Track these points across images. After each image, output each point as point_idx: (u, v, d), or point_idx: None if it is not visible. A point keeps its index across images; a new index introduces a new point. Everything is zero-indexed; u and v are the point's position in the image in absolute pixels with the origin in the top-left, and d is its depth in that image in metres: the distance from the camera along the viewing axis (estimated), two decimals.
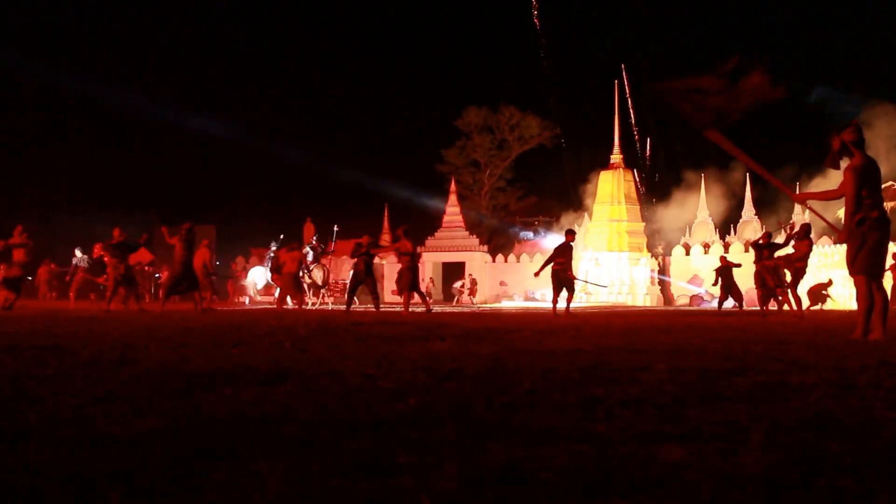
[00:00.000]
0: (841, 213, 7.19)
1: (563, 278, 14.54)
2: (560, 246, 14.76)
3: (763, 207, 39.78)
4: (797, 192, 7.45)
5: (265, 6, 67.11)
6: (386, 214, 43.81)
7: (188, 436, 2.11)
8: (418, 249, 29.53)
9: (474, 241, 36.21)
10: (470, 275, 33.40)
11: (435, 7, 74.24)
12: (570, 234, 14.96)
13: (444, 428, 2.21)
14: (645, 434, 2.14)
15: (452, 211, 37.87)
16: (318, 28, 71.07)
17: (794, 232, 14.76)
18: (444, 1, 72.88)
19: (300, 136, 66.73)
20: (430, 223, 45.04)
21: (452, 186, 39.04)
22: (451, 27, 73.96)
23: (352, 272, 16.49)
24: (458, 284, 33.03)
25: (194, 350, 4.90)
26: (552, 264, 14.65)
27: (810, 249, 14.37)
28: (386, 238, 41.37)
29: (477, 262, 35.07)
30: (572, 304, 15.34)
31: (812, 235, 14.86)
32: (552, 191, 48.06)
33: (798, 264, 14.17)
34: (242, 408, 2.57)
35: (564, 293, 14.64)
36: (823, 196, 7.73)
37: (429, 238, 36.65)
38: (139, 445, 2.00)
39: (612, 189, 32.25)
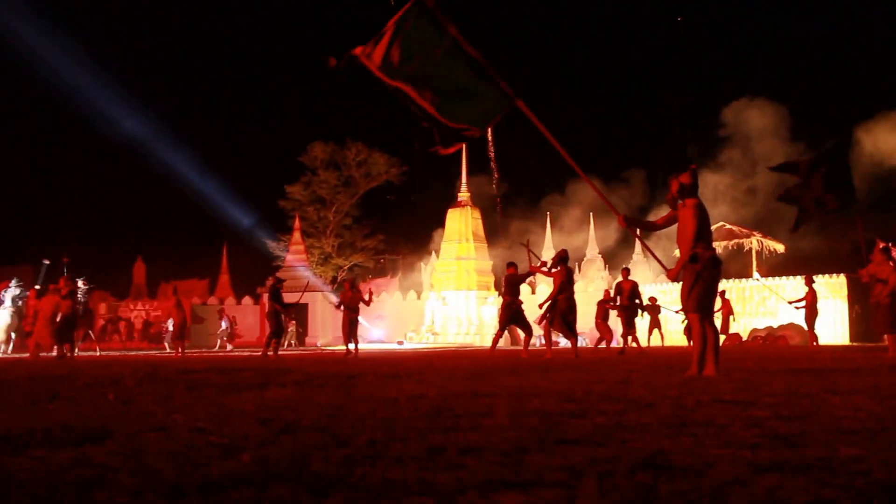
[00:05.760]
0: (677, 252, 7.46)
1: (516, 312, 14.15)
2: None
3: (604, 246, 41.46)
4: (624, 216, 7.23)
5: (98, 42, 64.32)
6: (225, 252, 42.62)
7: None
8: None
9: (318, 280, 35.79)
10: (232, 316, 30.90)
11: (279, 40, 73.81)
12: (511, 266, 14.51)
13: (280, 486, 2.10)
14: (485, 483, 2.11)
15: (296, 249, 37.34)
16: (152, 58, 68.95)
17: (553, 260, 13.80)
18: (288, 35, 72.56)
19: (129, 168, 64.01)
20: (272, 262, 44.21)
21: (296, 223, 38.52)
22: (295, 60, 73.72)
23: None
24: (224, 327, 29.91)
25: (3, 407, 4.49)
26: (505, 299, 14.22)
27: (568, 279, 13.39)
28: (224, 279, 40.26)
29: (321, 302, 34.64)
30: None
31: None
32: (400, 229, 48.46)
33: (559, 296, 13.22)
34: (56, 472, 2.34)
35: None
36: (648, 226, 7.84)
37: (270, 278, 35.89)
38: None
39: (459, 227, 32.77)
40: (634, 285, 17.08)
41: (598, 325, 19.10)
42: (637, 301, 16.91)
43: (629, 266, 18.24)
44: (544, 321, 13.62)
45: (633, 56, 70.29)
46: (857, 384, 5.41)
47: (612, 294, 18.08)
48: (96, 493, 2.05)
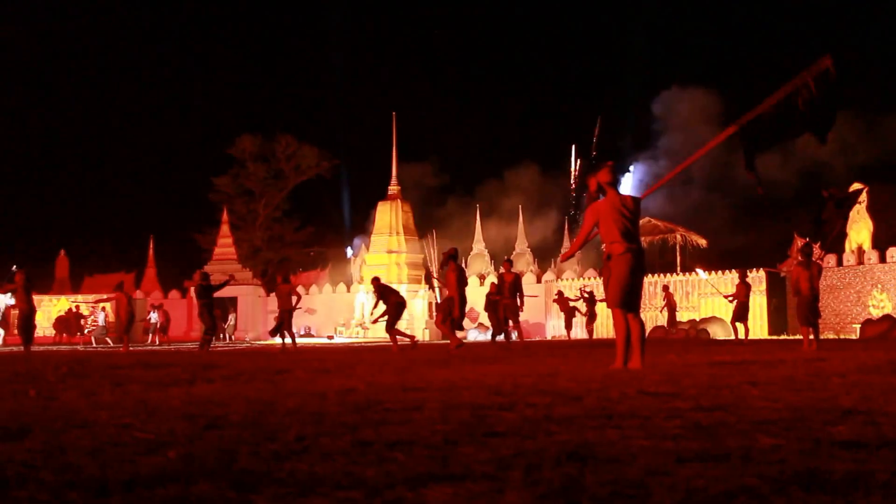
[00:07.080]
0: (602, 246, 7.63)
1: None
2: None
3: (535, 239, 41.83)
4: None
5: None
6: (151, 246, 41.57)
7: None
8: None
9: (247, 274, 35.23)
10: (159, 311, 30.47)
11: (211, 32, 72.36)
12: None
13: (206, 482, 2.07)
14: (414, 477, 2.12)
15: (224, 242, 36.68)
16: (83, 49, 66.87)
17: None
18: (219, 28, 71.23)
19: (49, 158, 61.83)
20: (200, 256, 43.37)
21: (224, 216, 37.82)
22: (226, 51, 72.38)
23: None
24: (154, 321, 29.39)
25: None
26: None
27: (460, 282, 13.61)
28: (151, 272, 39.35)
29: (250, 296, 34.12)
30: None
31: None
32: (330, 222, 48.08)
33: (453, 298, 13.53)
34: None
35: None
36: (581, 243, 7.77)
37: (198, 271, 35.18)
38: None
39: (389, 220, 32.65)
40: (517, 277, 17.04)
41: (489, 318, 19.10)
42: (518, 293, 16.63)
43: (511, 258, 18.17)
44: (445, 319, 13.79)
45: (572, 43, 71.20)
46: (775, 376, 5.59)
47: (495, 287, 17.74)
48: (16, 491, 2.00)
